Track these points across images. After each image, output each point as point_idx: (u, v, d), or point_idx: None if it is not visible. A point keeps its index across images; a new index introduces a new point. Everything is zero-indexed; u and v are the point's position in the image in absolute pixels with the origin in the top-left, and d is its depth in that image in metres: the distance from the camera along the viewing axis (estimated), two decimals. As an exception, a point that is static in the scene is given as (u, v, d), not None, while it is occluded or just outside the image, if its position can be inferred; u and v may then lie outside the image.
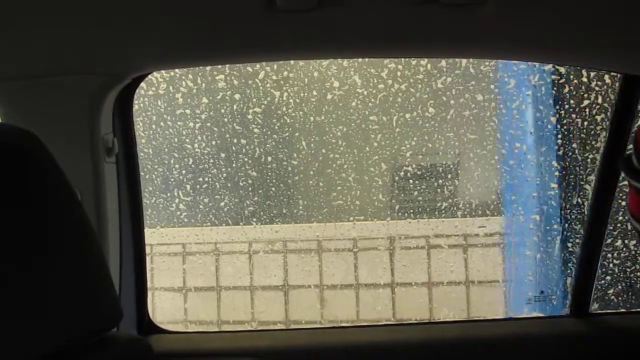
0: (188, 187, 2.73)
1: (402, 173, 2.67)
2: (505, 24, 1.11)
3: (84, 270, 0.78)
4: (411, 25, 1.12)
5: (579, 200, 2.52)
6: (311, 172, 2.69)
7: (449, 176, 2.67)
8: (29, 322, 0.67)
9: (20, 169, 0.73)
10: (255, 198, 2.72)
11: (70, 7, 1.05)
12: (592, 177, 2.20)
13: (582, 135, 2.53)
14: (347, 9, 1.05)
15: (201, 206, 2.75)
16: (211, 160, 2.70)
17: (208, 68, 2.57)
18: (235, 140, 2.67)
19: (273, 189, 2.71)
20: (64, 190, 0.78)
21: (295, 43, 1.19)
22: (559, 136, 2.56)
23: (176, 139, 2.71)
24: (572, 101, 2.54)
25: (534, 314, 2.44)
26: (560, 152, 2.56)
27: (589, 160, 2.51)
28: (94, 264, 0.80)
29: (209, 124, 2.68)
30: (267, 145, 2.67)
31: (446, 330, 1.42)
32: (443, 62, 2.57)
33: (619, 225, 2.43)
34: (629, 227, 2.36)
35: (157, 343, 1.31)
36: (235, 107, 2.67)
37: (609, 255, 2.49)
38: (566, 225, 2.57)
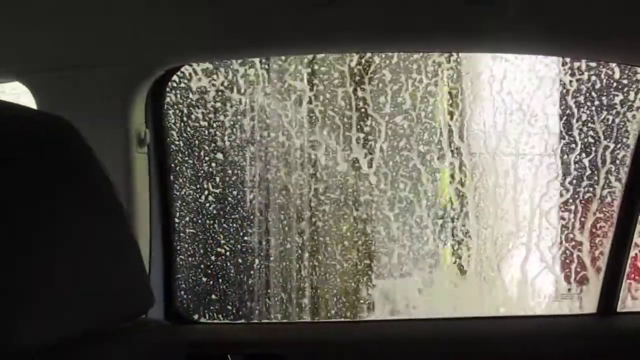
0: (217, 179, 2.76)
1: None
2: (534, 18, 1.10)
3: (118, 257, 0.80)
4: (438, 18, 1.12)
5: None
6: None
7: None
8: (62, 304, 0.70)
9: (57, 155, 0.76)
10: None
11: None
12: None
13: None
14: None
15: (229, 198, 2.77)
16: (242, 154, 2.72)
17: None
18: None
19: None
20: (99, 178, 0.81)
21: (328, 35, 1.20)
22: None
23: (207, 132, 2.73)
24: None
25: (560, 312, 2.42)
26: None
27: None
28: (127, 251, 0.83)
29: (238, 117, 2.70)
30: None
31: (471, 326, 1.42)
32: None
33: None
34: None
35: (184, 333, 1.34)
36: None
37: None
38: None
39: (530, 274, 2.29)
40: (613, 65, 2.17)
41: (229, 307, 2.41)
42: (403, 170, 2.28)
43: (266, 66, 2.25)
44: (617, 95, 2.22)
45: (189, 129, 2.03)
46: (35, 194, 0.71)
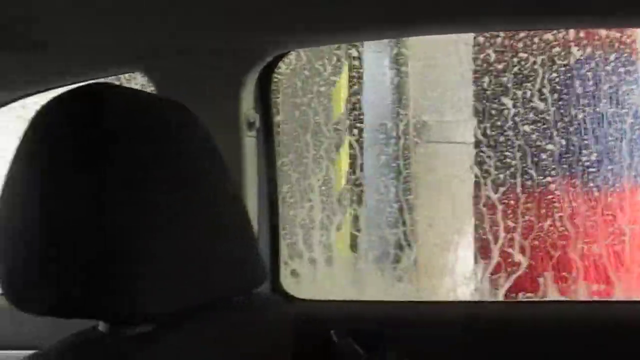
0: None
1: None
2: None
3: (232, 234, 0.86)
4: None
5: None
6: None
7: None
8: (181, 276, 0.75)
9: (177, 138, 0.81)
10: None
11: None
12: None
13: None
14: None
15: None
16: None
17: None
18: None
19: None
20: (215, 160, 0.86)
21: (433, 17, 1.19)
22: None
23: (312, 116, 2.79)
24: None
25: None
26: None
27: None
28: (241, 228, 0.88)
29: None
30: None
31: (570, 310, 1.38)
32: None
33: None
34: None
35: (290, 309, 1.39)
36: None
37: None
38: None
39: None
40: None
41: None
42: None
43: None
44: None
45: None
46: (158, 173, 0.77)
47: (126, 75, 1.79)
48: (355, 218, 2.75)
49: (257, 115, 1.36)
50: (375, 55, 2.77)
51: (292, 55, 2.46)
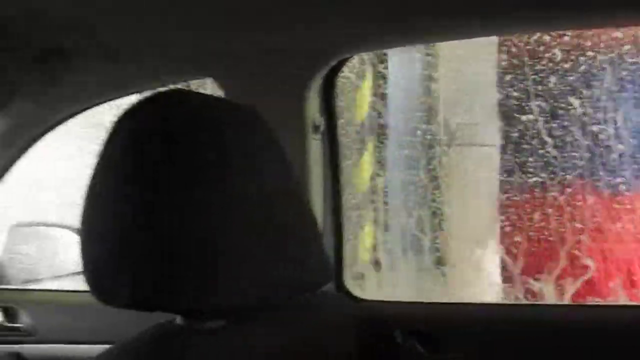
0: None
1: None
2: None
3: (299, 234, 0.88)
4: None
5: None
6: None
7: None
8: (250, 272, 0.78)
9: (245, 141, 0.84)
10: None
11: None
12: None
13: None
14: None
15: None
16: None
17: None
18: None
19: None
20: (282, 162, 0.89)
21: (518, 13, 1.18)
22: None
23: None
24: None
25: None
26: None
27: None
28: (307, 228, 0.91)
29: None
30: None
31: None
32: None
33: None
34: None
35: (354, 309, 1.40)
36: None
37: None
38: None
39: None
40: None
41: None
42: None
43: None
44: None
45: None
46: (229, 174, 0.80)
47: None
48: (378, 220, 2.75)
49: (322, 118, 1.39)
50: (402, 57, 2.76)
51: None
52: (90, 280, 0.78)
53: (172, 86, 1.74)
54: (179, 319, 0.78)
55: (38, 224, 2.29)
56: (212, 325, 0.77)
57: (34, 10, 1.32)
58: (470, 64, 2.63)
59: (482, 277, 2.64)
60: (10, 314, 1.81)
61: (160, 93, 0.81)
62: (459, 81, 2.73)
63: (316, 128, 1.38)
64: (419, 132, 2.75)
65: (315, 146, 1.39)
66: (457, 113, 2.74)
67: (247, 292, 0.77)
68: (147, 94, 0.85)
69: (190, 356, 0.72)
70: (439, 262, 2.66)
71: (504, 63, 2.64)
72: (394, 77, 2.79)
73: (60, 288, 2.06)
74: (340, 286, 1.45)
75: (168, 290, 0.73)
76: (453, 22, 1.23)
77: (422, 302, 1.93)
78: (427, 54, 2.75)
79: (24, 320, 1.79)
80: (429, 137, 2.74)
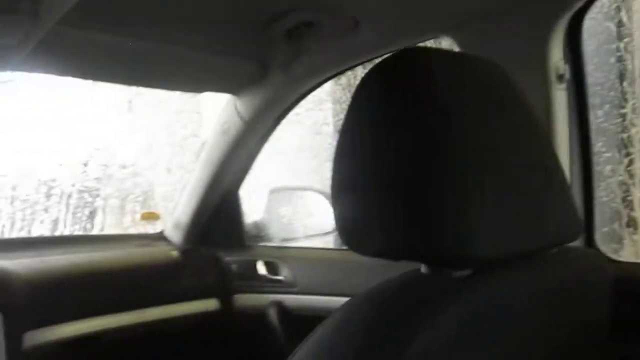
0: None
1: None
2: None
3: (550, 186, 0.86)
4: None
5: None
6: None
7: None
8: (505, 224, 0.77)
9: (490, 95, 0.83)
10: None
11: None
12: None
13: None
14: None
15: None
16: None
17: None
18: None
19: None
20: (527, 114, 0.87)
21: None
22: None
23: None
24: None
25: None
26: None
27: None
28: (557, 180, 0.88)
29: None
30: None
31: None
32: None
33: None
34: None
35: (606, 267, 1.32)
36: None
37: None
38: None
39: None
40: None
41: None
42: None
43: None
44: None
45: None
46: (478, 125, 0.79)
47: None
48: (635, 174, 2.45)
49: (566, 66, 1.32)
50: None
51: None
52: (343, 231, 0.83)
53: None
54: (423, 268, 0.80)
55: (293, 188, 2.50)
56: (457, 275, 0.78)
57: None
58: None
59: None
60: (272, 268, 2.02)
61: (402, 51, 0.82)
62: None
63: (560, 77, 1.31)
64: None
65: (560, 96, 1.32)
66: None
67: (497, 243, 0.76)
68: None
69: (435, 302, 0.73)
70: None
71: None
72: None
73: (313, 246, 2.24)
74: (591, 242, 1.37)
75: (417, 239, 0.75)
76: None
77: None
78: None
79: (285, 273, 1.98)
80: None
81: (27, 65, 1.44)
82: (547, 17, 1.28)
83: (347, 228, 0.82)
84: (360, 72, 1.74)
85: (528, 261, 0.83)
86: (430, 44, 1.56)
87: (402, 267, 0.81)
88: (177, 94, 2.53)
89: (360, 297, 0.77)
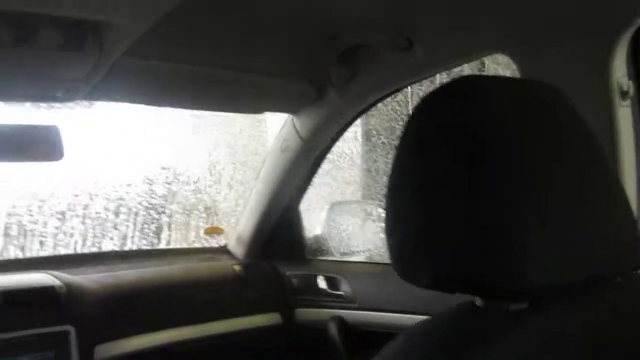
0: None
1: None
2: None
3: (610, 210, 0.81)
4: None
5: None
6: None
7: None
8: (560, 251, 0.73)
9: (548, 120, 0.80)
10: None
11: None
12: None
13: None
14: None
15: None
16: None
17: None
18: None
19: None
20: (587, 137, 0.82)
21: None
22: None
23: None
24: None
25: None
26: None
27: None
28: (618, 204, 0.83)
29: None
30: None
31: None
32: None
33: None
34: None
35: None
36: None
37: None
38: None
39: None
40: None
41: None
42: None
43: None
44: None
45: None
46: (532, 151, 0.76)
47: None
48: None
49: (630, 82, 1.27)
50: None
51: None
52: (395, 261, 0.82)
53: (459, 68, 1.76)
54: (477, 300, 0.79)
55: (352, 202, 2.52)
56: (513, 307, 0.75)
57: (341, 11, 1.45)
58: None
59: None
60: (332, 283, 2.03)
61: (453, 81, 0.80)
62: None
63: (624, 94, 1.26)
64: None
65: (624, 114, 1.27)
66: None
67: (555, 273, 0.73)
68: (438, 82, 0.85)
69: (490, 338, 0.71)
70: None
71: None
72: None
73: (372, 260, 2.25)
74: None
75: (469, 272, 0.73)
76: None
77: None
78: None
79: (345, 288, 1.99)
80: None
81: (96, 95, 1.52)
82: (610, 32, 1.24)
83: (400, 259, 0.81)
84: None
85: (589, 291, 0.78)
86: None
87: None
88: (239, 115, 2.60)
89: (417, 328, 0.77)
